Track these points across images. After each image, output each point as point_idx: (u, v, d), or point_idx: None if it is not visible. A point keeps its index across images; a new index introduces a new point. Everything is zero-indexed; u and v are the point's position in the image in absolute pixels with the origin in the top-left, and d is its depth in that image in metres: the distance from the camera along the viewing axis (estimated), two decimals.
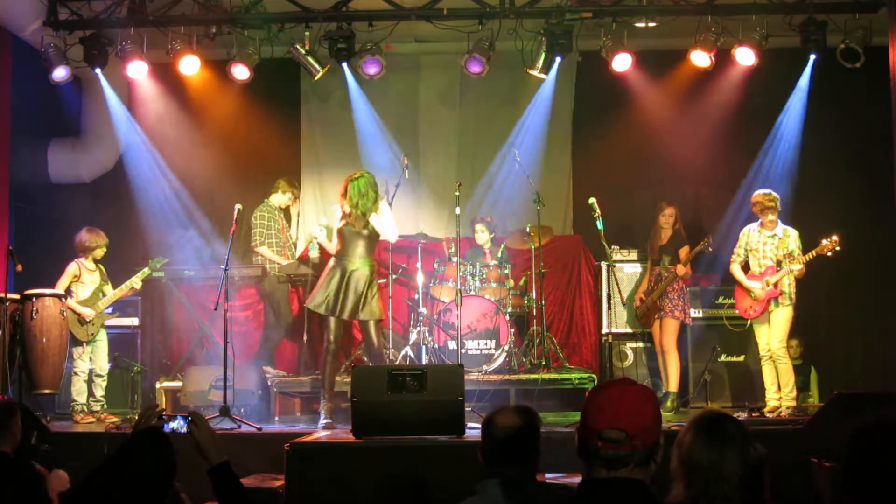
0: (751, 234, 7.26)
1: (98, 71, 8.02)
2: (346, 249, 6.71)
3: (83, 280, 7.61)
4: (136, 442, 3.03)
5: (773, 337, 7.03)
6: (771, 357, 7.05)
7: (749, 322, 7.38)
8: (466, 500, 3.09)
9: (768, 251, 7.12)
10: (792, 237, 7.08)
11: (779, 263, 7.03)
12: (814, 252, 6.90)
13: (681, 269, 7.67)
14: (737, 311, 7.47)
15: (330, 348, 6.72)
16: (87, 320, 7.51)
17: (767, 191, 7.22)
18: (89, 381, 7.61)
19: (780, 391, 7.03)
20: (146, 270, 7.81)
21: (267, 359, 8.17)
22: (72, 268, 7.59)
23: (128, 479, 2.92)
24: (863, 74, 7.66)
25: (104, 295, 7.69)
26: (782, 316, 7.03)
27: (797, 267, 6.93)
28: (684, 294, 7.78)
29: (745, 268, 7.29)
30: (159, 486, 2.97)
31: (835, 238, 6.83)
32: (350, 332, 8.47)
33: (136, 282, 7.78)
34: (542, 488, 3.21)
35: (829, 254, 6.87)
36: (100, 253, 7.74)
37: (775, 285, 7.01)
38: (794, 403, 7.03)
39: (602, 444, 2.25)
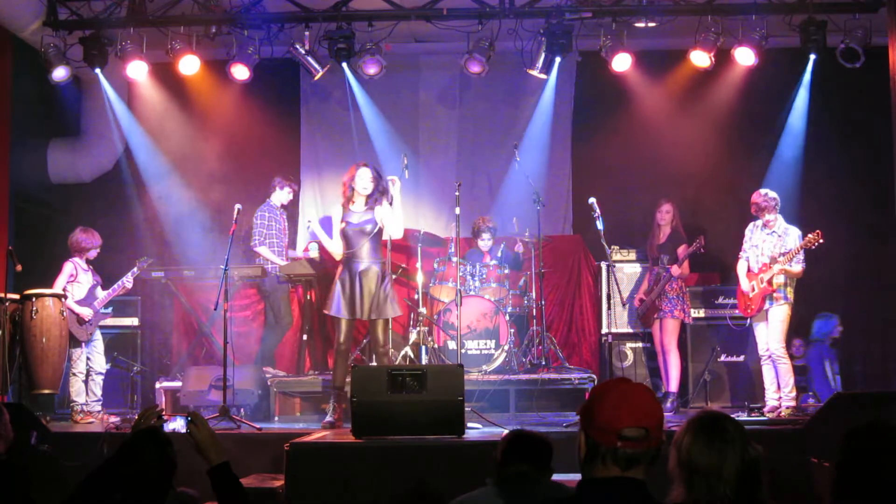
0: (753, 231, 7.27)
1: (98, 71, 8.01)
2: (353, 249, 6.67)
3: (79, 280, 7.60)
4: (136, 442, 3.04)
5: (771, 336, 7.01)
6: (770, 357, 7.04)
7: (749, 321, 7.37)
8: (473, 492, 3.12)
9: (766, 249, 7.11)
10: (793, 236, 7.06)
11: (773, 261, 7.01)
12: (799, 247, 6.88)
13: (675, 270, 7.65)
14: (738, 311, 7.48)
15: (340, 349, 6.71)
16: (86, 320, 7.51)
17: (765, 191, 7.20)
18: (88, 381, 7.61)
19: (779, 391, 7.02)
20: (135, 270, 7.82)
21: (267, 359, 8.16)
22: (68, 267, 7.58)
23: (128, 478, 2.92)
24: (863, 74, 7.66)
25: (97, 296, 7.69)
26: (778, 315, 7.00)
27: (785, 260, 6.89)
28: (683, 293, 7.78)
29: None
30: (159, 486, 2.97)
31: (818, 232, 6.81)
32: (350, 333, 8.47)
33: (128, 281, 7.77)
34: (545, 487, 3.22)
35: (814, 247, 6.84)
36: (94, 254, 7.75)
37: (769, 282, 6.99)
38: (793, 404, 7.01)
39: (623, 444, 2.25)
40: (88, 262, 7.75)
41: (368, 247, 6.64)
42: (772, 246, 7.08)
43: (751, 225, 7.31)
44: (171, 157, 9.09)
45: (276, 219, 8.29)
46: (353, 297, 6.58)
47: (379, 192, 6.70)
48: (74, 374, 7.48)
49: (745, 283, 7.18)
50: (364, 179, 6.67)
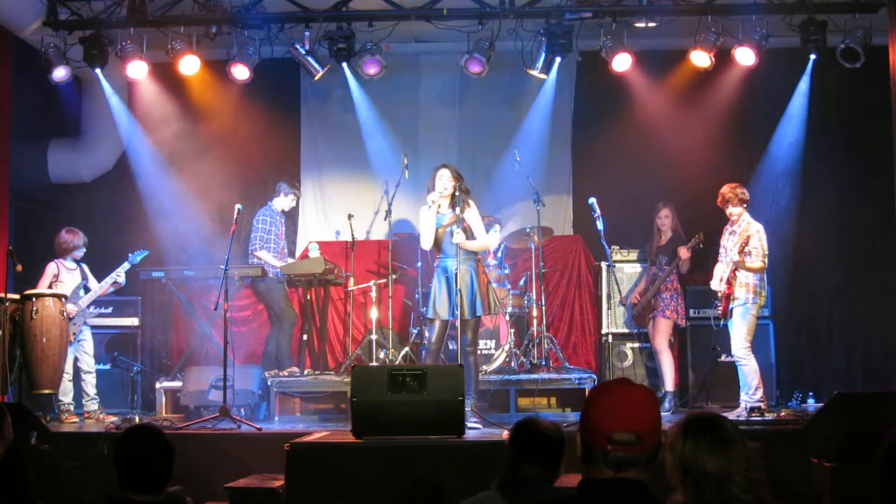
0: (725, 234, 7.26)
1: (98, 71, 8.02)
2: (446, 248, 6.72)
3: (62, 279, 7.63)
4: (135, 429, 3.10)
5: (732, 337, 6.97)
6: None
7: (724, 322, 7.34)
8: (478, 495, 3.10)
9: (730, 249, 7.09)
10: (751, 231, 6.96)
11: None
12: (743, 243, 6.84)
13: (684, 253, 7.58)
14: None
15: (431, 348, 6.73)
16: (70, 317, 7.48)
17: (734, 184, 7.15)
18: (79, 380, 7.60)
19: (756, 393, 6.91)
20: (126, 265, 7.78)
21: (285, 359, 8.11)
22: (50, 268, 7.65)
23: (129, 460, 2.96)
24: (863, 74, 7.66)
25: (86, 293, 7.69)
26: (737, 316, 6.93)
27: (737, 254, 6.84)
28: (677, 294, 7.76)
29: None
30: (160, 472, 3.02)
31: (748, 236, 6.85)
32: (350, 333, 8.47)
33: (119, 275, 7.72)
34: (550, 490, 3.19)
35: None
36: (79, 253, 7.76)
37: (728, 284, 6.97)
38: (760, 405, 6.85)
39: (613, 448, 2.25)
40: (76, 261, 7.75)
41: (457, 246, 6.65)
42: (733, 245, 7.05)
43: (725, 229, 7.30)
44: (171, 157, 9.08)
45: (275, 223, 8.29)
46: (450, 297, 6.60)
47: (460, 196, 6.78)
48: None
49: (717, 285, 7.17)
50: (444, 180, 6.77)
